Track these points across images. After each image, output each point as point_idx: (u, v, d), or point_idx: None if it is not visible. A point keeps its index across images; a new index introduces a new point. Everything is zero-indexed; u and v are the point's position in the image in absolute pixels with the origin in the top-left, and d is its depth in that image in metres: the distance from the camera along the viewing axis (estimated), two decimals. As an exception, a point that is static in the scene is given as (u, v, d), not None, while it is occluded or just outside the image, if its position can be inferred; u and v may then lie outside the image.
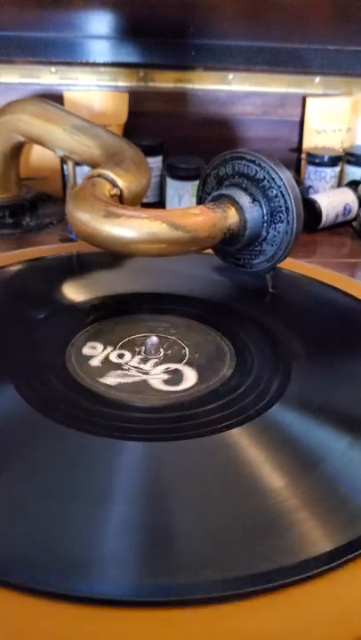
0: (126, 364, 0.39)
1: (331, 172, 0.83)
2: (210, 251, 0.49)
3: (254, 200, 0.45)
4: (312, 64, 0.85)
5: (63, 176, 0.82)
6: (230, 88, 0.87)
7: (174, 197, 0.79)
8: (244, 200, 0.45)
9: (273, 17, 0.81)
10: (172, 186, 0.79)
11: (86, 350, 0.40)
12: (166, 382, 0.38)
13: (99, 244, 0.42)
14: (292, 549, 0.26)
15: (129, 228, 0.41)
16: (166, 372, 0.39)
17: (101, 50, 0.82)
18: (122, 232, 0.41)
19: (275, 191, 0.45)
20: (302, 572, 0.25)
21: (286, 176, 0.44)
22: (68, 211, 0.44)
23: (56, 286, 0.49)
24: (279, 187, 0.44)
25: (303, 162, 0.86)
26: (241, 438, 0.32)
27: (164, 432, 0.33)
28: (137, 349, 0.40)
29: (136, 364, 0.39)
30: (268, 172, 0.45)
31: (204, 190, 0.50)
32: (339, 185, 0.84)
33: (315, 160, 0.83)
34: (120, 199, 0.49)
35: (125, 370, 0.38)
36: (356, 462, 0.31)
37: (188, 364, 0.39)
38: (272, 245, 0.46)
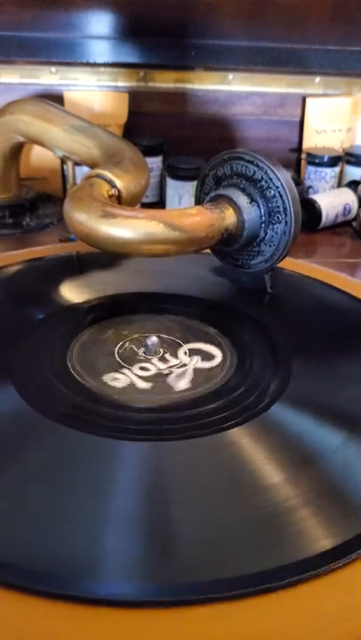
0: (160, 370, 0.39)
1: (331, 172, 0.82)
2: (209, 251, 0.49)
3: (252, 200, 0.45)
4: (312, 64, 0.85)
5: (63, 176, 0.82)
6: (230, 88, 0.87)
7: (174, 197, 0.79)
8: (242, 200, 0.45)
9: (273, 17, 0.81)
10: (172, 186, 0.79)
11: (114, 382, 0.38)
12: (205, 360, 0.39)
13: (96, 245, 0.42)
14: (293, 548, 0.26)
15: (126, 228, 0.41)
16: (193, 354, 0.40)
17: (101, 50, 0.82)
18: (119, 232, 0.41)
19: (273, 192, 0.45)
20: (303, 571, 0.25)
21: (284, 176, 0.44)
22: (66, 211, 0.44)
23: (56, 286, 0.49)
24: (277, 187, 0.44)
25: (303, 162, 0.86)
26: (241, 438, 0.32)
27: (164, 432, 0.33)
28: (138, 349, 0.40)
29: (167, 365, 0.39)
30: (266, 173, 0.45)
31: (202, 191, 0.50)
32: (339, 185, 0.84)
33: (315, 160, 0.83)
34: (118, 199, 0.49)
35: (171, 373, 0.39)
36: (356, 461, 0.31)
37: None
38: (270, 246, 0.46)
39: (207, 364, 0.39)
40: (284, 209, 0.45)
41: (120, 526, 0.27)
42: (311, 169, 0.83)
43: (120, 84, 0.85)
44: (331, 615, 0.24)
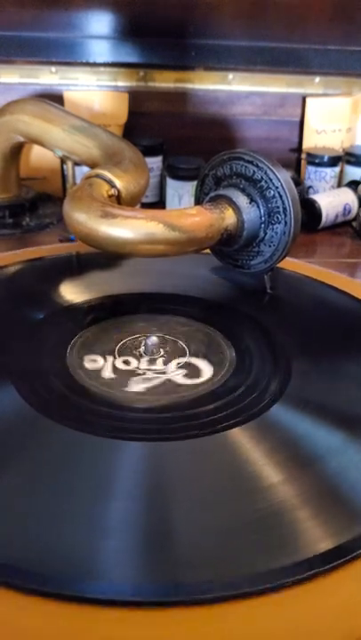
0: (138, 367, 0.39)
1: (331, 172, 0.82)
2: (208, 251, 0.49)
3: (252, 201, 0.45)
4: (312, 64, 0.85)
5: (63, 176, 0.82)
6: (230, 88, 0.87)
7: (174, 197, 0.79)
8: (242, 201, 0.45)
9: (273, 17, 0.81)
10: (172, 186, 0.79)
11: (89, 364, 0.39)
12: (186, 376, 0.38)
13: (96, 245, 0.42)
14: (292, 549, 0.26)
15: (126, 228, 0.41)
16: (181, 367, 0.39)
17: (101, 50, 0.82)
18: (118, 232, 0.41)
19: (272, 192, 0.45)
20: (303, 571, 0.25)
21: (284, 177, 0.44)
22: (65, 211, 0.44)
23: (56, 286, 0.49)
24: (277, 187, 0.44)
25: (303, 162, 0.86)
26: (241, 438, 0.32)
27: (164, 432, 0.33)
28: (138, 351, 0.40)
29: (148, 367, 0.39)
30: (265, 173, 0.45)
31: (201, 191, 0.50)
32: (339, 185, 0.84)
33: (315, 160, 0.83)
34: (118, 200, 0.49)
35: (142, 374, 0.38)
36: (357, 462, 0.31)
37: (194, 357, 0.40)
38: (270, 246, 0.46)
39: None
40: (284, 209, 0.45)
41: (120, 526, 0.27)
42: (311, 169, 0.83)
43: (120, 83, 0.85)
44: (330, 616, 0.24)
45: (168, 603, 0.24)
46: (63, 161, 0.67)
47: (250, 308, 0.46)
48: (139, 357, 0.40)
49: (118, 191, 0.49)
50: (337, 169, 0.83)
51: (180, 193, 0.78)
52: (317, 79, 0.87)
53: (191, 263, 0.51)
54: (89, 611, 0.23)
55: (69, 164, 0.67)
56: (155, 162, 0.82)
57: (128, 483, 0.29)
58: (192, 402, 0.36)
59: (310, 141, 0.88)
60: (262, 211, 0.45)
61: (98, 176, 0.49)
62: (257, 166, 0.45)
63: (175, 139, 0.85)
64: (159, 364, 0.39)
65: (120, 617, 0.23)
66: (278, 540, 0.26)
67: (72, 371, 0.38)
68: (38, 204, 0.77)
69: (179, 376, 0.38)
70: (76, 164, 0.66)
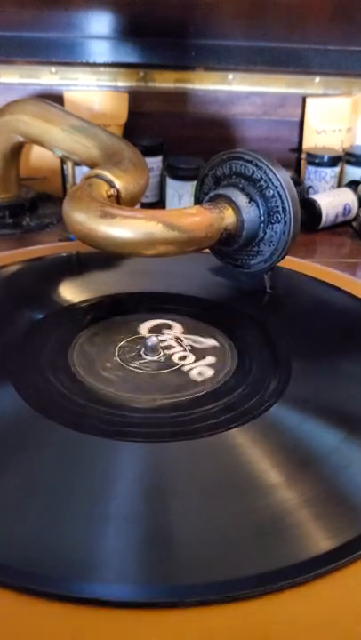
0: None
1: (331, 172, 0.82)
2: (208, 251, 0.49)
3: (251, 200, 0.45)
4: (312, 64, 0.85)
5: (63, 176, 0.82)
6: (230, 88, 0.87)
7: (174, 197, 0.79)
8: (241, 200, 0.45)
9: (273, 17, 0.81)
10: (172, 186, 0.79)
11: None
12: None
13: (95, 245, 0.42)
14: (292, 550, 0.26)
15: (125, 228, 0.40)
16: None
17: (101, 50, 0.82)
18: (118, 232, 0.41)
19: (272, 191, 0.45)
20: (303, 572, 0.25)
21: (283, 176, 0.44)
22: (65, 211, 0.44)
23: (56, 286, 0.49)
24: (276, 187, 0.44)
25: (303, 162, 0.86)
26: (241, 438, 0.32)
27: (164, 432, 0.33)
28: (138, 351, 0.40)
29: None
30: (265, 173, 0.45)
31: (201, 190, 0.50)
32: (339, 185, 0.84)
33: (315, 160, 0.83)
34: (117, 200, 0.49)
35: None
36: (357, 462, 0.31)
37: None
38: (269, 246, 0.46)
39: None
40: (284, 208, 0.45)
41: (120, 527, 0.27)
42: (311, 169, 0.83)
43: (120, 84, 0.85)
44: (331, 616, 0.24)
45: (168, 603, 0.24)
46: (63, 161, 0.67)
47: (250, 307, 0.46)
48: (139, 357, 0.40)
49: (118, 191, 0.49)
50: (337, 169, 0.83)
51: (180, 193, 0.78)
52: (317, 79, 0.87)
53: (191, 263, 0.51)
54: (89, 611, 0.23)
55: (69, 164, 0.67)
56: (155, 162, 0.82)
57: (128, 483, 0.29)
58: (192, 402, 0.36)
59: (310, 141, 0.88)
60: (262, 210, 0.45)
61: (97, 176, 0.49)
62: (256, 166, 0.45)
63: (175, 139, 0.85)
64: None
65: (119, 617, 0.23)
66: (278, 541, 0.26)
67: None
68: (38, 203, 0.77)
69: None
70: (76, 163, 0.66)
